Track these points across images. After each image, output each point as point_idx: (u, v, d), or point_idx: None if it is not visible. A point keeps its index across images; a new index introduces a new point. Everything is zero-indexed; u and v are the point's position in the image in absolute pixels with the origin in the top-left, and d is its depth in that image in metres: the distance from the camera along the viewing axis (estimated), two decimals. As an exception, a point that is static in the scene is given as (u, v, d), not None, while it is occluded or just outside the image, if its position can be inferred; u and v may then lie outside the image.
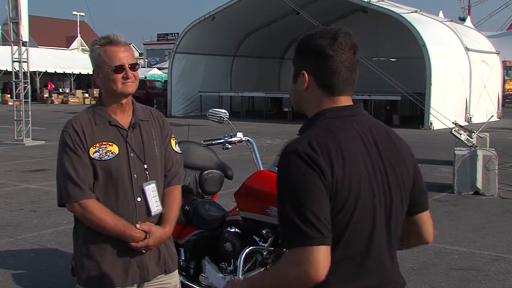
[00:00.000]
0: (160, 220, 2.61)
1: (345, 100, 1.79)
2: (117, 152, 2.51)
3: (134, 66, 2.54)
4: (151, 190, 2.58)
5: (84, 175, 2.46)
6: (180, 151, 2.80)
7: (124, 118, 2.58)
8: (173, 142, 2.74)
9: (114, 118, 2.55)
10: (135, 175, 2.53)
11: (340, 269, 1.68)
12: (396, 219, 1.81)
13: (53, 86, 40.62)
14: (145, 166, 2.56)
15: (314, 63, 1.77)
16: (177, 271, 2.78)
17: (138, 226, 2.51)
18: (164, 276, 2.68)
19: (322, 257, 1.59)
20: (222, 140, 4.05)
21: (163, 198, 2.64)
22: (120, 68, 2.49)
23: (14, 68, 15.70)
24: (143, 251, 2.54)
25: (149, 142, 2.61)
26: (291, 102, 1.92)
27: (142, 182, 2.55)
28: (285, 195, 1.65)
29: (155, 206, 2.59)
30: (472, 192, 8.75)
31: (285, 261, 1.66)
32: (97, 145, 2.49)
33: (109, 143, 2.51)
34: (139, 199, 2.54)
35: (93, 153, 2.48)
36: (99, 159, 2.48)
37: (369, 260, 1.73)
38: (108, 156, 2.49)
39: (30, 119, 15.50)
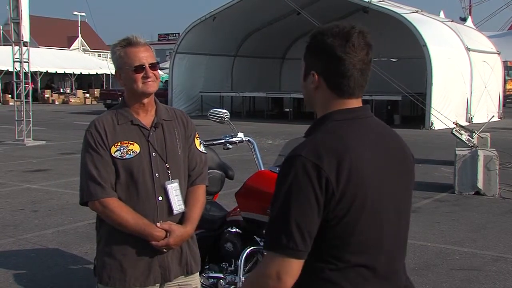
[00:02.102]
0: (182, 219, 2.61)
1: (354, 103, 1.75)
2: (138, 151, 2.54)
3: (154, 66, 2.57)
4: (173, 189, 2.58)
5: (105, 174, 2.48)
6: (205, 151, 2.80)
7: (146, 118, 2.61)
8: (197, 141, 2.75)
9: (136, 118, 2.58)
10: (156, 174, 2.55)
11: (351, 274, 1.66)
12: (405, 222, 1.80)
13: (33, 86, 40.44)
14: (167, 165, 2.58)
15: (325, 64, 1.71)
16: (198, 273, 2.77)
17: (158, 224, 2.52)
18: (185, 278, 2.67)
19: (288, 269, 1.59)
20: (223, 140, 4.05)
21: (186, 198, 2.64)
22: (140, 68, 2.52)
23: (15, 68, 15.70)
24: (164, 250, 2.54)
25: (171, 142, 2.62)
26: (304, 98, 1.87)
27: (164, 181, 2.56)
28: (278, 198, 1.64)
29: (177, 205, 2.59)
30: (473, 192, 8.74)
31: (262, 262, 1.68)
32: (119, 144, 2.52)
33: (131, 142, 2.54)
34: (160, 198, 2.55)
35: (115, 152, 2.51)
36: (121, 158, 2.51)
37: (380, 265, 1.70)
38: (129, 155, 2.52)
39: (31, 119, 15.51)
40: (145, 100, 2.58)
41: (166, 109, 2.71)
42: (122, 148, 2.52)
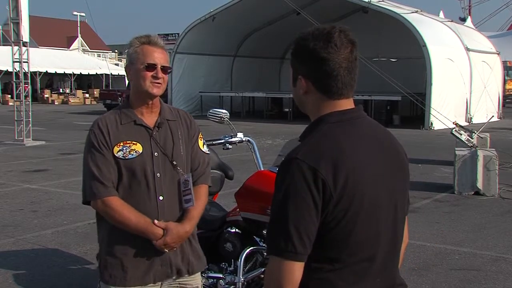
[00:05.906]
0: (181, 218, 2.60)
1: (346, 103, 1.75)
2: (140, 151, 2.54)
3: (166, 69, 2.57)
4: (190, 182, 2.59)
5: (107, 173, 2.49)
6: (208, 151, 2.80)
7: (150, 118, 2.61)
8: (200, 142, 2.75)
9: (139, 118, 2.58)
10: (158, 174, 2.55)
11: (347, 273, 1.67)
12: (401, 223, 1.80)
13: (26, 87, 40.34)
14: (174, 162, 2.58)
15: (310, 68, 1.72)
16: (199, 273, 2.76)
17: (156, 222, 2.51)
18: (187, 277, 2.67)
19: (288, 272, 1.60)
20: (222, 140, 4.05)
21: None
22: (151, 67, 2.52)
23: (15, 69, 15.69)
24: (165, 250, 2.53)
25: (175, 142, 2.62)
26: (296, 103, 1.88)
27: (166, 181, 2.56)
28: (276, 201, 1.65)
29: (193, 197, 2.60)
30: (473, 192, 8.75)
31: (266, 267, 1.70)
32: (121, 144, 2.53)
33: (133, 142, 2.54)
34: (161, 198, 2.55)
35: (117, 152, 2.52)
36: (123, 158, 2.51)
37: (376, 264, 1.71)
38: (132, 155, 2.52)
39: (30, 119, 15.50)
40: (150, 101, 2.58)
41: (170, 109, 2.71)
42: (124, 148, 2.53)
